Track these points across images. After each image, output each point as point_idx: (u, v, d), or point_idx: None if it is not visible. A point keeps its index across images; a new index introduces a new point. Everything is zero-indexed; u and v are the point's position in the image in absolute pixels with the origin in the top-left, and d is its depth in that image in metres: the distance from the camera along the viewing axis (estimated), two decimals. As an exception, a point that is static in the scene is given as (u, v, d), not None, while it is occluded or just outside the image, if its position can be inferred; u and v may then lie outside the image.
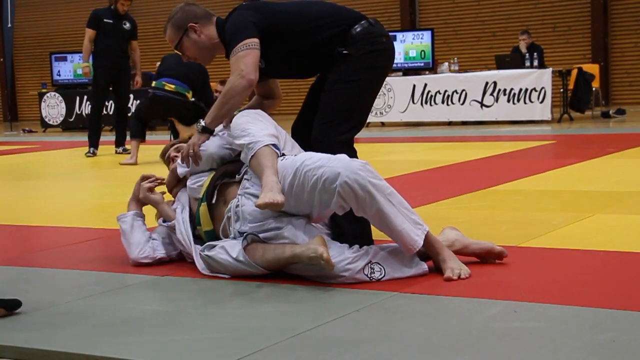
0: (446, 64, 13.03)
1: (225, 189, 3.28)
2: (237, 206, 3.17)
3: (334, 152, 3.10)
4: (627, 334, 2.25)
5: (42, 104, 15.75)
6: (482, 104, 12.26)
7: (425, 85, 12.67)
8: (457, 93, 12.43)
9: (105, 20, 9.12)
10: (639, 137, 8.79)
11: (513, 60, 12.42)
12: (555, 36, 15.78)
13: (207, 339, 2.40)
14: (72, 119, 15.52)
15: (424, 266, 3.04)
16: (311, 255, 2.89)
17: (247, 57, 3.28)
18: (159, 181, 3.58)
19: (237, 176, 3.27)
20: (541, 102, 11.88)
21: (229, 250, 3.09)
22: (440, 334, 2.34)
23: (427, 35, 13.16)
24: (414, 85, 12.73)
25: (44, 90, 16.14)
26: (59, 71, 16.03)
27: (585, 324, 2.37)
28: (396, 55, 13.39)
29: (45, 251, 3.89)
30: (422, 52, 13.06)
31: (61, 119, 15.61)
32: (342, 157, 3.02)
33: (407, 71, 13.02)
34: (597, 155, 6.91)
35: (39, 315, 2.72)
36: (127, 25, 9.19)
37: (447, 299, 2.69)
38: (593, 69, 13.38)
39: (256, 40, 3.31)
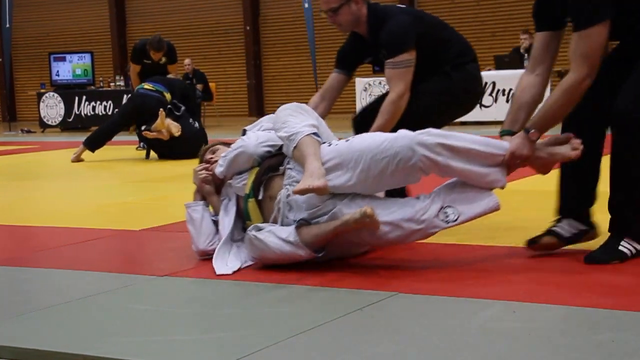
0: (445, 64, 13.02)
1: (270, 182, 3.31)
2: (287, 196, 3.20)
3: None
4: (626, 334, 2.26)
5: (41, 104, 15.73)
6: (481, 104, 12.26)
7: (425, 85, 12.66)
8: (455, 93, 12.42)
9: (145, 60, 9.39)
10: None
11: (512, 60, 12.42)
12: (554, 36, 15.75)
13: (207, 339, 2.40)
14: (70, 119, 15.50)
15: (495, 198, 3.11)
16: (357, 217, 2.95)
17: (408, 74, 3.66)
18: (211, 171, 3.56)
19: (280, 168, 3.31)
20: (540, 102, 11.87)
21: (277, 232, 3.13)
22: (440, 334, 2.34)
23: (426, 35, 13.15)
24: (413, 86, 12.74)
25: (42, 91, 16.11)
26: (57, 71, 16.01)
27: (584, 324, 2.37)
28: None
29: (44, 251, 3.88)
30: (421, 53, 13.05)
31: (60, 119, 15.59)
32: (405, 133, 3.10)
33: (406, 71, 13.00)
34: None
35: (37, 316, 2.72)
36: (163, 60, 9.43)
37: (446, 299, 2.69)
38: (592, 69, 13.38)
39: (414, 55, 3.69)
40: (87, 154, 8.57)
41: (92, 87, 15.87)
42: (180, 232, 4.15)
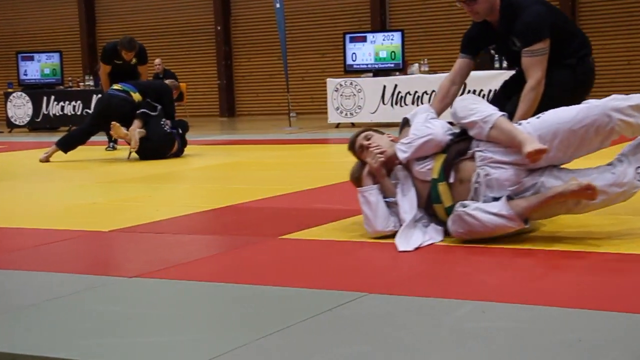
0: (416, 65, 13.10)
1: (459, 166, 3.50)
2: (487, 175, 3.41)
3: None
4: (594, 334, 2.28)
5: (8, 103, 15.58)
6: (451, 105, 12.33)
7: (396, 86, 12.72)
8: (427, 94, 12.50)
9: (115, 61, 9.34)
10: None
11: (482, 61, 12.51)
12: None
13: (177, 341, 2.39)
14: (39, 119, 15.37)
15: None
16: (574, 189, 3.21)
17: (544, 62, 3.97)
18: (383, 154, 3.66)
19: (468, 152, 3.49)
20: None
21: (485, 208, 3.32)
22: (410, 334, 2.35)
23: (397, 36, 13.21)
24: (384, 86, 12.78)
25: (10, 90, 15.96)
26: (25, 71, 15.86)
27: (553, 323, 2.39)
28: (366, 56, 13.50)
29: (12, 253, 3.83)
30: (393, 53, 13.11)
31: (28, 119, 15.46)
32: (597, 102, 3.38)
33: (377, 72, 13.06)
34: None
35: (6, 318, 2.69)
36: (134, 61, 9.40)
37: (416, 299, 2.70)
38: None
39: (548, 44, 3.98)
40: (57, 155, 8.49)
41: (61, 87, 15.75)
42: (150, 233, 4.13)
